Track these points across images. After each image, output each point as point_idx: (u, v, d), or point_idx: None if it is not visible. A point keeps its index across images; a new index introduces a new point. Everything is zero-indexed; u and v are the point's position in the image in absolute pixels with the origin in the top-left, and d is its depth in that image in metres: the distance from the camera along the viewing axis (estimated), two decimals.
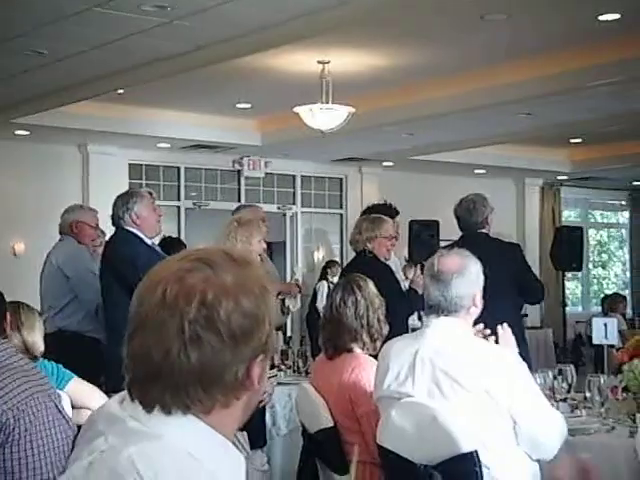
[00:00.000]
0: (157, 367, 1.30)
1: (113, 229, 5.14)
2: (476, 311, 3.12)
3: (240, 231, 4.87)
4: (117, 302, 4.84)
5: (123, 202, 4.91)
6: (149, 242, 4.94)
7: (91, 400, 3.46)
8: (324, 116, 7.55)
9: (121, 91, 7.97)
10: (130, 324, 1.34)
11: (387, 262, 5.36)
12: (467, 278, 3.07)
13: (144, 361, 1.31)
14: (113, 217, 5.00)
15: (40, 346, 3.49)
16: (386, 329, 3.72)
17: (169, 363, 1.29)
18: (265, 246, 5.17)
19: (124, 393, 1.35)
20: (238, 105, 9.14)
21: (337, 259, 11.73)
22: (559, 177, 13.44)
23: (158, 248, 5.10)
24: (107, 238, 5.49)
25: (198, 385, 1.30)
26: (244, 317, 1.32)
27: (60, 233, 5.81)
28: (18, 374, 2.73)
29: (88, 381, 3.69)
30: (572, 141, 11.44)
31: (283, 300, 7.06)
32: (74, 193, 9.88)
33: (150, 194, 5.14)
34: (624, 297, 11.93)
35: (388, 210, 6.22)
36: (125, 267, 4.68)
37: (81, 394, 3.46)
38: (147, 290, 1.34)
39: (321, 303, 5.70)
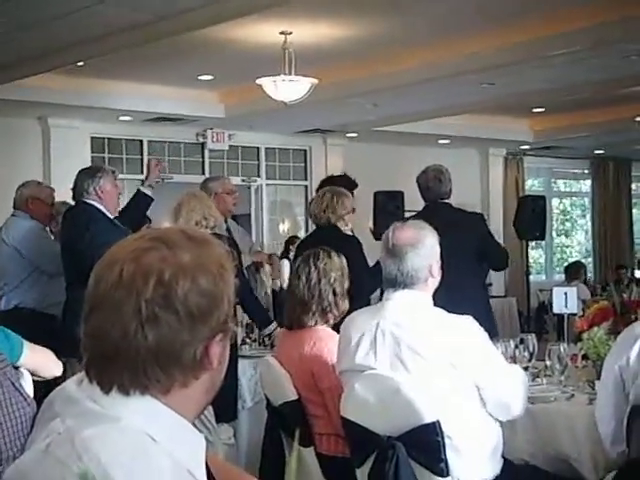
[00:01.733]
0: (114, 347, 1.29)
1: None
2: (434, 281, 3.14)
3: (193, 203, 4.92)
4: (75, 277, 4.85)
5: (90, 175, 4.99)
6: (110, 216, 4.97)
7: (47, 370, 3.43)
8: (287, 88, 7.51)
9: (81, 63, 7.86)
10: (87, 303, 1.33)
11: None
12: (422, 251, 3.08)
13: (101, 341, 1.30)
14: (75, 190, 5.01)
15: None
16: (344, 304, 3.67)
17: (126, 343, 1.29)
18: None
19: (83, 374, 1.35)
20: (200, 77, 9.06)
21: (302, 231, 11.73)
22: (522, 147, 13.51)
23: (118, 223, 5.10)
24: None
25: (156, 365, 1.30)
26: (202, 296, 1.31)
27: (14, 208, 5.75)
28: None
29: None
30: (535, 110, 11.49)
31: (257, 269, 7.09)
32: (35, 167, 9.75)
33: (113, 171, 5.21)
34: (585, 265, 12.08)
35: (348, 182, 6.21)
36: (83, 238, 4.72)
37: (35, 365, 3.42)
38: (104, 269, 1.33)
39: (284, 281, 5.70)
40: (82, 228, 4.83)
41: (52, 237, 5.80)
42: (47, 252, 5.43)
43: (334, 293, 3.64)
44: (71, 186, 5.57)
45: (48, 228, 5.87)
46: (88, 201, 4.96)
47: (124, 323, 1.29)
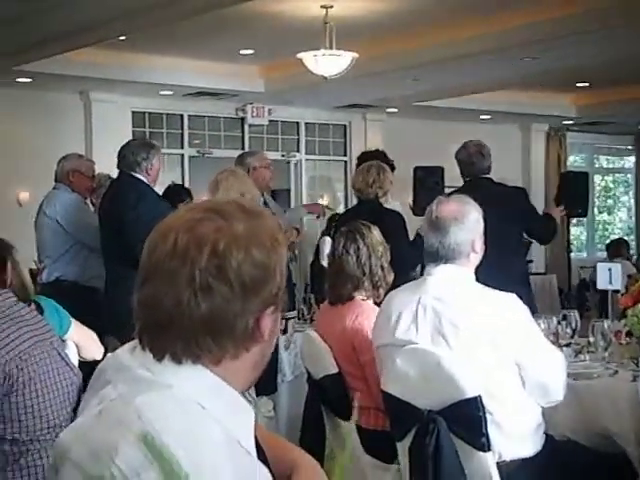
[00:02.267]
0: (167, 316, 1.30)
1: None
2: (476, 257, 3.12)
3: (232, 180, 4.92)
4: (116, 253, 4.89)
5: (143, 150, 5.04)
6: (157, 192, 5.04)
7: (89, 352, 3.46)
8: (328, 62, 7.47)
9: (123, 37, 7.89)
10: (140, 273, 1.35)
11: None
12: (465, 225, 3.06)
13: (154, 310, 1.31)
14: (123, 161, 5.03)
15: (31, 285, 3.50)
16: (390, 277, 3.72)
17: (179, 312, 1.30)
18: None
19: (135, 342, 1.36)
20: (241, 51, 9.05)
21: (341, 207, 11.71)
22: (565, 122, 13.33)
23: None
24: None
25: (208, 335, 1.31)
26: (255, 267, 1.32)
27: (55, 181, 5.79)
28: (20, 324, 2.75)
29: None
30: (578, 85, 11.32)
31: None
32: (77, 141, 9.83)
33: (160, 149, 5.34)
34: (628, 243, 11.92)
35: (385, 159, 6.18)
36: (131, 213, 4.75)
37: (79, 343, 3.46)
38: (158, 239, 1.34)
39: (324, 259, 5.71)
40: (131, 203, 4.84)
41: (92, 210, 5.84)
42: (88, 226, 5.47)
43: (382, 267, 3.65)
44: (113, 160, 5.62)
45: (89, 201, 5.91)
46: (136, 175, 4.99)
47: (178, 292, 1.30)
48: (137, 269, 1.36)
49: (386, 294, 3.48)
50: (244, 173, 5.34)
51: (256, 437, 1.39)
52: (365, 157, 6.22)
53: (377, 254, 3.67)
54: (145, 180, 5.01)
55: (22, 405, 2.65)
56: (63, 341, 3.25)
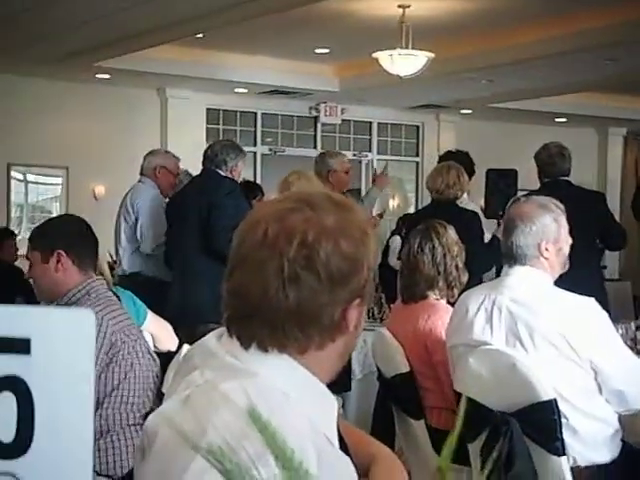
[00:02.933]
0: (255, 304, 1.32)
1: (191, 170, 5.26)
2: (549, 262, 3.04)
3: (302, 182, 4.94)
4: (197, 242, 4.95)
5: (233, 151, 5.21)
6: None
7: (164, 343, 3.52)
8: (403, 62, 7.45)
9: (200, 35, 7.98)
10: (230, 262, 1.37)
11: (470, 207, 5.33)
12: (529, 228, 3.02)
13: (243, 298, 1.33)
14: (210, 158, 5.13)
15: (110, 277, 3.60)
16: (465, 277, 3.68)
17: (267, 301, 1.31)
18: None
19: (223, 329, 1.38)
20: (316, 50, 9.07)
21: (412, 208, 11.67)
22: None
23: None
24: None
25: (295, 324, 1.32)
26: (343, 259, 1.33)
27: (140, 174, 5.86)
28: (116, 305, 2.85)
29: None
30: None
31: None
32: (152, 137, 9.99)
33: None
34: None
35: (468, 160, 6.13)
36: (220, 209, 4.84)
37: (154, 334, 3.51)
38: (248, 229, 1.35)
39: (393, 259, 5.68)
40: (220, 197, 4.94)
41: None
42: (161, 226, 5.52)
43: (456, 267, 3.63)
44: (187, 155, 5.69)
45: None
46: (220, 172, 5.10)
47: (266, 282, 1.31)
48: (218, 262, 1.38)
49: (460, 294, 3.45)
50: (314, 176, 5.36)
51: (338, 428, 1.38)
52: (448, 157, 6.17)
53: (452, 253, 3.64)
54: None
55: (117, 377, 2.73)
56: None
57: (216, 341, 1.37)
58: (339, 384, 4.51)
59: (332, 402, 1.38)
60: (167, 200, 5.76)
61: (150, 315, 3.51)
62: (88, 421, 1.16)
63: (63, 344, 1.16)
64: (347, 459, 1.36)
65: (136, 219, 5.63)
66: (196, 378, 1.32)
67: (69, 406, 1.15)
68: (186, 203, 5.23)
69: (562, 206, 3.15)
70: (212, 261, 4.65)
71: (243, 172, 5.59)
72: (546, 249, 3.03)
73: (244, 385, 1.27)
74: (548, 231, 3.05)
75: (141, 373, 2.78)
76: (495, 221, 6.05)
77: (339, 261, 1.32)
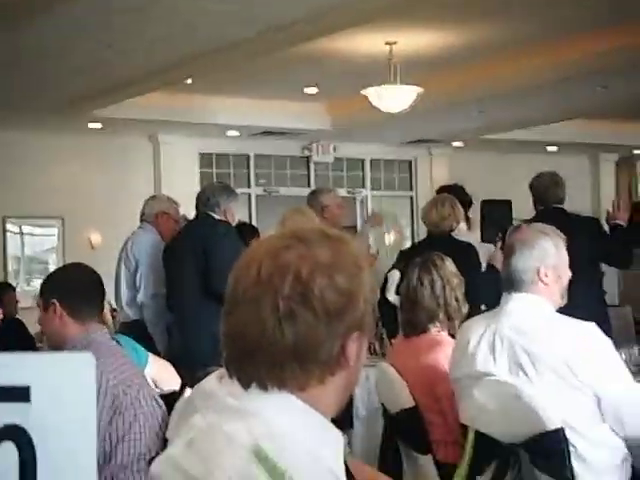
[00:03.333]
0: (253, 344, 1.31)
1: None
2: (548, 289, 3.03)
3: (297, 217, 4.94)
4: (193, 285, 4.94)
5: (226, 194, 5.21)
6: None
7: (167, 383, 3.50)
8: (392, 97, 7.50)
9: (189, 81, 8.04)
10: (226, 303, 1.36)
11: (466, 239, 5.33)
12: (529, 252, 3.02)
13: (240, 338, 1.33)
14: (203, 202, 5.13)
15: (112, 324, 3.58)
16: (465, 308, 3.67)
17: (264, 339, 1.30)
18: None
19: (222, 371, 1.37)
20: (306, 90, 9.13)
21: (407, 242, 11.67)
22: (635, 151, 13.12)
23: None
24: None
25: (293, 360, 1.31)
26: (338, 294, 1.32)
27: (141, 220, 5.83)
28: (119, 354, 2.83)
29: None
30: None
31: None
32: (146, 184, 10.02)
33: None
34: None
35: (462, 194, 6.15)
36: (217, 253, 4.83)
37: (157, 377, 3.50)
38: (242, 268, 1.35)
39: (391, 294, 5.68)
40: (217, 240, 4.93)
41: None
42: (155, 277, 5.50)
43: (456, 299, 3.62)
44: (181, 199, 5.69)
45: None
46: (214, 215, 5.09)
47: (262, 320, 1.30)
48: (216, 305, 1.38)
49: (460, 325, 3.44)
50: (311, 211, 5.38)
51: (346, 464, 1.37)
52: (443, 191, 6.19)
53: (451, 285, 3.63)
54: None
55: (121, 429, 2.70)
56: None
57: (216, 382, 1.36)
58: (341, 422, 4.48)
59: (337, 437, 1.37)
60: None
61: (151, 357, 3.49)
62: (91, 463, 1.14)
63: (63, 389, 1.15)
64: None
65: (136, 266, 5.60)
66: (198, 421, 1.31)
67: (72, 450, 1.14)
68: (182, 248, 5.22)
69: (563, 235, 3.14)
70: (210, 304, 4.64)
71: (238, 214, 5.59)
72: (545, 275, 3.02)
73: (248, 425, 1.26)
74: (547, 256, 3.04)
75: (146, 422, 2.77)
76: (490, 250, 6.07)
77: (334, 295, 1.32)
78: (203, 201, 5.16)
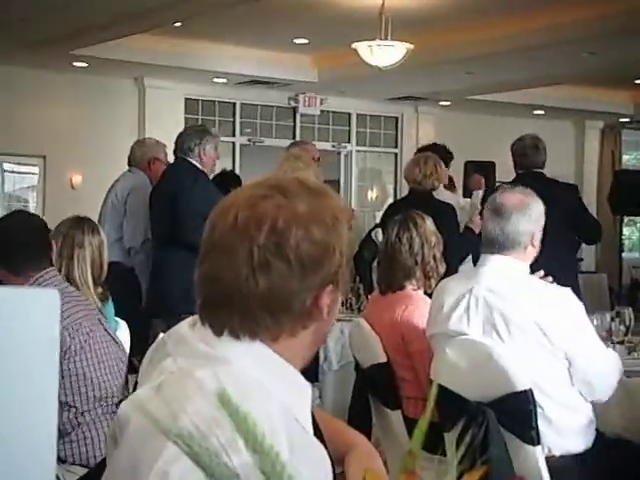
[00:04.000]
0: (226, 291, 1.31)
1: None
2: (533, 251, 3.07)
3: (295, 165, 4.91)
4: (166, 235, 4.93)
5: (198, 136, 5.07)
6: (208, 175, 5.05)
7: None
8: (382, 53, 7.44)
9: (178, 24, 7.94)
10: (202, 248, 1.36)
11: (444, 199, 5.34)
12: (528, 215, 3.03)
13: (214, 285, 1.33)
14: (178, 147, 5.08)
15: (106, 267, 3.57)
16: (443, 267, 3.69)
17: (237, 287, 1.30)
18: None
19: (196, 317, 1.37)
20: (295, 41, 9.04)
21: (390, 199, 11.68)
22: (621, 119, 13.13)
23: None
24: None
25: (265, 311, 1.31)
26: (314, 245, 1.32)
27: (129, 165, 5.74)
28: (69, 297, 2.83)
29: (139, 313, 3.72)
30: (636, 82, 11.13)
31: None
32: (130, 127, 9.94)
33: (217, 137, 5.29)
34: None
35: (445, 153, 6.15)
36: (185, 195, 4.79)
37: None
38: (219, 215, 1.35)
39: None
40: (186, 186, 4.88)
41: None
42: (143, 224, 5.46)
43: (434, 257, 3.63)
44: (165, 144, 5.63)
45: None
46: (189, 160, 5.02)
47: (236, 268, 1.30)
48: (187, 251, 1.38)
49: (436, 284, 3.46)
50: (307, 156, 5.34)
51: (314, 416, 1.38)
52: (425, 150, 6.20)
53: (430, 244, 3.65)
54: (198, 165, 5.03)
55: (74, 372, 2.71)
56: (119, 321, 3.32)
57: (189, 328, 1.36)
58: (306, 375, 4.52)
59: (305, 389, 1.37)
60: None
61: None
62: (53, 406, 1.14)
63: (26, 326, 1.14)
64: (320, 446, 1.35)
65: (125, 211, 5.55)
66: (169, 365, 1.31)
67: (34, 394, 1.13)
68: (157, 193, 5.20)
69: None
70: (179, 253, 4.63)
71: (221, 162, 5.54)
72: (536, 238, 3.05)
73: (217, 372, 1.26)
74: (541, 219, 3.08)
75: (101, 364, 2.77)
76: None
77: (310, 247, 1.31)
78: (179, 145, 5.10)
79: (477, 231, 5.12)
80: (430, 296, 3.42)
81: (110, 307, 3.58)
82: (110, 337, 2.90)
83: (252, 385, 1.27)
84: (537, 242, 3.07)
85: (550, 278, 3.24)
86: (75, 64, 9.32)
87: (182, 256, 4.52)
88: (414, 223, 3.67)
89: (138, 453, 1.21)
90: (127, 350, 3.14)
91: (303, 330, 1.35)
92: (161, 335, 1.47)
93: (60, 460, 2.68)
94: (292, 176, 1.47)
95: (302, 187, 1.36)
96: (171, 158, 5.48)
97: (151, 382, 1.30)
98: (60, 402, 2.65)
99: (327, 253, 1.33)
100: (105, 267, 3.50)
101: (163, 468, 1.16)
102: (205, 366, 1.28)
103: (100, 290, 3.44)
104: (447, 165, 6.00)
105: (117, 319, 3.54)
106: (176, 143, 5.14)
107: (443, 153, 6.02)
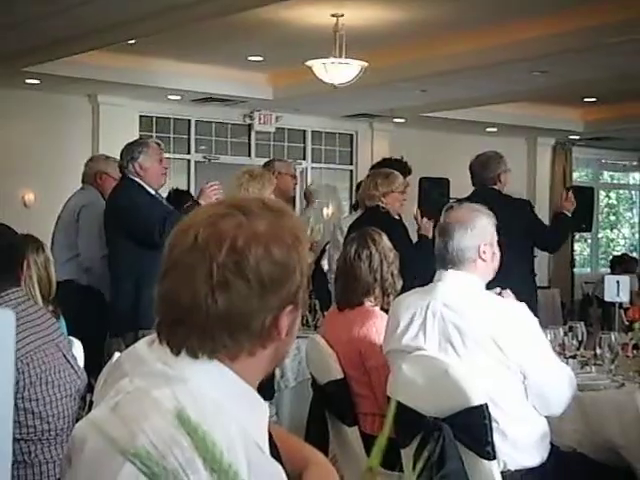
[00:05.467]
0: (185, 310, 1.31)
1: None
2: (485, 266, 3.09)
3: (252, 183, 4.89)
4: (119, 251, 4.89)
5: (129, 151, 4.93)
6: (152, 192, 4.93)
7: None
8: (337, 70, 7.48)
9: (132, 41, 7.91)
10: (162, 267, 1.35)
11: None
12: (470, 230, 3.06)
13: (172, 303, 1.32)
14: (120, 166, 5.02)
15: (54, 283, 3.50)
16: (399, 284, 3.71)
17: (196, 306, 1.30)
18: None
19: (154, 336, 1.36)
20: (250, 58, 9.05)
21: (347, 215, 11.71)
22: (571, 137, 13.34)
23: (162, 199, 5.10)
24: None
25: (224, 330, 1.31)
26: (274, 265, 1.31)
27: (83, 182, 5.73)
28: (27, 324, 2.71)
29: (95, 331, 3.67)
30: (586, 100, 11.33)
31: None
32: (84, 144, 9.86)
33: (158, 145, 5.11)
34: (634, 258, 11.91)
35: (401, 167, 6.19)
36: (126, 215, 4.74)
37: None
38: (180, 234, 1.34)
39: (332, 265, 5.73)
40: (123, 203, 4.82)
41: None
42: (95, 240, 5.41)
43: (392, 274, 3.65)
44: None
45: None
46: (130, 177, 4.93)
47: (195, 287, 1.30)
48: (145, 266, 1.37)
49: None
50: (269, 175, 5.32)
51: (270, 434, 1.38)
52: (376, 166, 6.25)
53: (388, 260, 3.67)
54: (139, 180, 4.87)
55: (22, 407, 2.61)
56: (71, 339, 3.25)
57: (147, 347, 1.36)
58: (263, 391, 4.50)
59: (263, 408, 1.38)
60: None
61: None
62: (7, 434, 1.12)
63: None
64: (278, 465, 1.35)
65: (77, 227, 5.50)
66: (126, 385, 1.30)
67: None
68: (105, 212, 5.15)
69: (491, 213, 3.20)
70: (137, 266, 4.60)
71: (177, 180, 5.48)
72: (484, 252, 3.08)
73: (175, 391, 1.25)
74: (486, 233, 3.10)
75: (56, 393, 2.70)
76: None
77: (270, 267, 1.31)
78: (120, 167, 5.06)
79: (430, 235, 5.17)
80: (387, 312, 3.44)
81: (62, 325, 3.53)
82: (69, 364, 2.82)
83: (210, 404, 1.26)
84: (488, 256, 3.09)
85: (509, 291, 3.27)
86: (28, 81, 9.23)
87: (139, 272, 4.51)
88: (372, 240, 3.69)
89: (95, 474, 1.20)
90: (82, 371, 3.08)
91: (262, 350, 1.35)
92: (117, 354, 1.46)
93: None
94: (254, 196, 1.47)
95: (262, 207, 1.36)
96: None
97: (107, 402, 1.29)
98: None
99: (287, 273, 1.33)
100: (54, 284, 3.46)
101: None
102: (163, 385, 1.27)
103: (51, 308, 3.38)
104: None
105: (70, 338, 3.50)
106: (119, 163, 5.08)
107: (399, 167, 6.06)
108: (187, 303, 1.30)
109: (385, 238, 3.74)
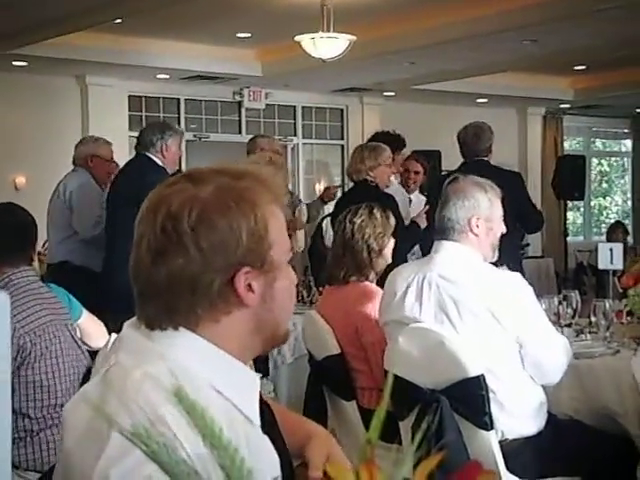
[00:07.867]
0: (139, 284, 1.32)
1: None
2: (478, 240, 3.09)
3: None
4: (126, 230, 4.87)
5: (160, 130, 5.02)
6: (169, 172, 4.99)
7: (95, 340, 3.46)
8: (325, 45, 7.43)
9: (119, 21, 7.85)
10: None
11: (389, 191, 5.35)
12: (462, 202, 3.07)
13: (134, 279, 1.33)
14: (140, 142, 5.03)
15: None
16: (380, 263, 3.69)
17: (146, 277, 1.30)
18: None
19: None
20: (238, 35, 9.00)
21: (338, 191, 11.69)
22: (562, 105, 13.31)
23: None
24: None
25: (174, 298, 1.29)
26: (211, 229, 1.29)
27: (74, 164, 5.72)
28: (39, 300, 2.79)
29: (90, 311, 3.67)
30: (576, 68, 11.29)
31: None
32: (73, 125, 9.81)
33: (182, 133, 5.30)
34: (624, 225, 11.94)
35: (396, 140, 6.17)
36: (139, 189, 4.71)
37: (89, 332, 3.46)
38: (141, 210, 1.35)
39: (328, 239, 5.71)
40: (140, 179, 4.80)
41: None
42: (90, 215, 5.41)
43: (368, 250, 3.62)
44: (113, 143, 5.57)
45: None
46: (150, 155, 4.97)
47: (141, 258, 1.31)
48: None
49: (388, 273, 3.47)
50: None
51: (270, 408, 1.38)
52: (377, 137, 6.23)
53: (362, 235, 3.64)
54: (159, 162, 4.97)
55: (31, 379, 2.67)
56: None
57: (130, 325, 1.36)
58: (257, 365, 4.51)
59: (248, 375, 1.35)
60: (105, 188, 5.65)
61: (85, 312, 3.45)
62: (6, 414, 1.12)
63: None
64: (264, 437, 1.33)
65: (70, 207, 5.51)
66: (111, 362, 1.30)
67: None
68: (118, 189, 5.13)
69: (499, 190, 3.19)
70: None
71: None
72: (477, 225, 3.07)
73: (156, 365, 1.25)
74: (480, 207, 3.09)
75: (60, 372, 2.74)
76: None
77: (206, 230, 1.28)
78: (140, 140, 5.06)
79: (422, 226, 5.16)
80: (382, 286, 3.44)
81: (75, 306, 3.54)
82: (75, 344, 2.86)
83: (190, 376, 1.25)
84: (481, 230, 3.08)
85: (505, 267, 3.29)
86: (15, 63, 9.16)
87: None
88: (353, 214, 3.67)
89: (85, 444, 1.19)
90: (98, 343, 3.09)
91: (226, 316, 1.31)
92: (114, 335, 1.47)
93: (14, 466, 2.65)
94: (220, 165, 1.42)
95: (217, 173, 1.34)
96: (121, 155, 5.42)
97: (96, 376, 1.30)
98: (14, 410, 2.62)
99: (228, 235, 1.29)
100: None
101: (114, 456, 1.13)
102: (142, 360, 1.26)
103: None
104: (396, 152, 6.03)
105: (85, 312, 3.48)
106: (138, 138, 5.11)
107: (394, 140, 6.05)
108: (141, 276, 1.31)
109: (377, 213, 3.69)
